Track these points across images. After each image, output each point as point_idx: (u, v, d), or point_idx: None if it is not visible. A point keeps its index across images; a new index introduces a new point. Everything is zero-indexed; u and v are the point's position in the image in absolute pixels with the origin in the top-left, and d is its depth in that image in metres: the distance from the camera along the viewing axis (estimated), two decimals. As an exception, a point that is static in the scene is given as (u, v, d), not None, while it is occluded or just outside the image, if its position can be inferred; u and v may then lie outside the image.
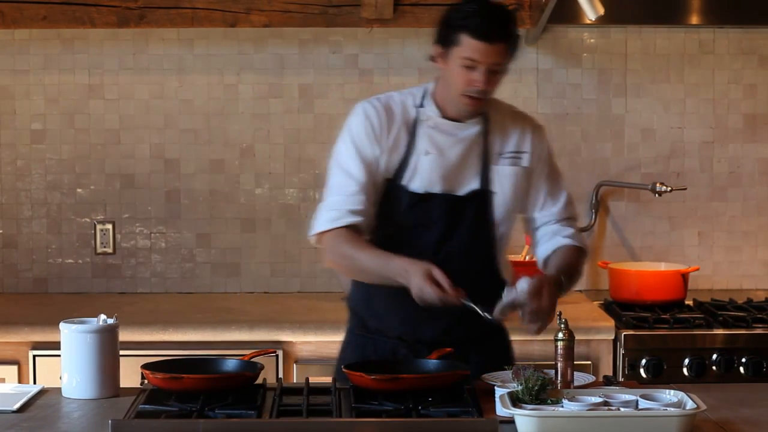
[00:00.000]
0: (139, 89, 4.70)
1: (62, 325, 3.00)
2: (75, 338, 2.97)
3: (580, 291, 4.73)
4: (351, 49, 4.70)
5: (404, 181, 3.13)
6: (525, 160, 3.19)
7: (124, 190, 4.73)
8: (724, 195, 4.79)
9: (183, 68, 4.70)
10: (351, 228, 3.10)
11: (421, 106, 3.17)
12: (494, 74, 3.04)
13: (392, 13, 4.37)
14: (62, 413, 2.85)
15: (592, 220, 4.73)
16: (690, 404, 2.60)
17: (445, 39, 3.05)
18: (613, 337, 4.07)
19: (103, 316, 3.01)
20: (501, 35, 3.00)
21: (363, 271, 3.11)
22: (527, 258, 4.46)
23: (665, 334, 4.08)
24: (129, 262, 4.73)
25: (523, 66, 4.70)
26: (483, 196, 3.14)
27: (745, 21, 4.63)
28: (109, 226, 4.73)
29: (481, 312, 2.95)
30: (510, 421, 2.58)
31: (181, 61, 4.69)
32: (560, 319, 2.93)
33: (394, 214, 3.13)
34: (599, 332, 4.06)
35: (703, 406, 2.58)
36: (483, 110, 3.13)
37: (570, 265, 3.17)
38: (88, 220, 4.73)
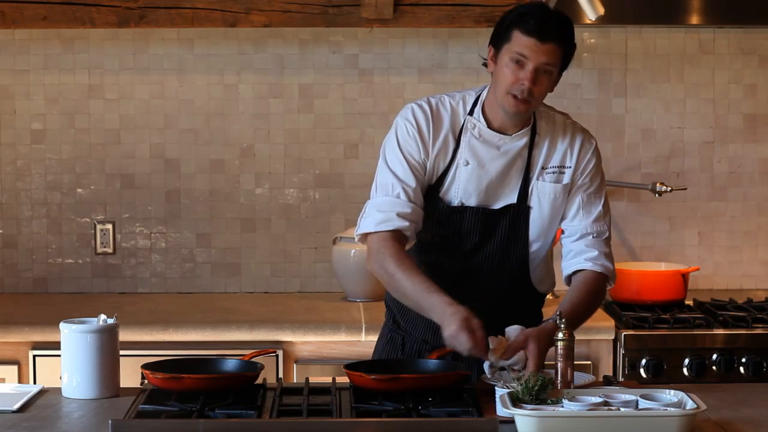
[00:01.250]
0: (139, 89, 4.70)
1: (62, 325, 3.00)
2: (75, 338, 2.97)
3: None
4: (351, 49, 4.70)
5: (441, 191, 3.10)
6: (567, 176, 3.13)
7: (124, 190, 4.73)
8: (725, 195, 4.79)
9: (183, 68, 4.70)
10: (397, 233, 3.05)
11: (471, 113, 3.11)
12: (542, 75, 2.98)
13: (392, 13, 4.37)
14: (62, 413, 2.85)
15: (593, 220, 4.72)
16: (690, 404, 2.60)
17: (499, 38, 3.02)
18: (613, 337, 4.07)
19: (103, 316, 3.01)
20: (553, 35, 2.96)
21: (400, 293, 3.05)
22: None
23: (665, 334, 4.08)
24: (129, 262, 4.73)
25: (523, 66, 4.70)
26: (518, 211, 3.10)
27: (745, 21, 4.62)
28: (109, 226, 4.73)
29: (487, 375, 2.93)
30: (510, 421, 2.58)
31: (181, 61, 4.70)
32: (560, 319, 2.93)
33: (427, 223, 3.10)
34: (599, 332, 4.06)
35: (703, 406, 2.58)
36: (527, 115, 3.06)
37: (583, 306, 3.07)
38: (88, 220, 4.73)
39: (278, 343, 4.04)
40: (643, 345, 4.05)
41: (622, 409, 2.60)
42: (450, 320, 2.87)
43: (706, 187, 4.79)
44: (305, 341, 4.06)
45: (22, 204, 4.72)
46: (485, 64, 3.09)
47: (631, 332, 4.07)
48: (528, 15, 2.97)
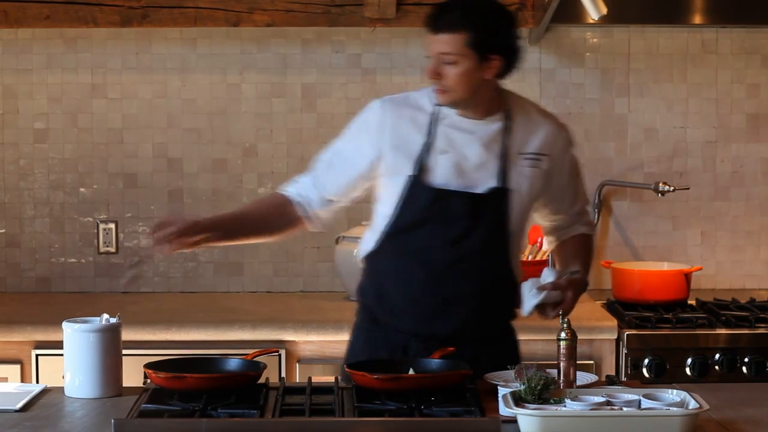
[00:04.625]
0: (142, 88, 4.70)
1: (65, 325, 3.00)
2: (78, 337, 2.97)
3: (582, 291, 4.74)
4: (354, 49, 4.70)
5: (424, 178, 3.11)
6: (545, 163, 3.17)
7: (127, 189, 4.73)
8: (727, 195, 4.79)
9: (186, 68, 4.70)
10: (282, 197, 3.25)
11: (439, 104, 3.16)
12: (444, 65, 3.04)
13: (395, 12, 4.37)
14: (65, 412, 2.85)
15: (595, 220, 4.72)
16: (693, 404, 2.60)
17: None
18: (615, 336, 4.07)
19: (105, 316, 3.01)
20: (443, 25, 3.01)
21: None
22: (530, 258, 4.46)
23: (668, 334, 4.08)
24: (131, 261, 4.73)
25: (526, 66, 4.69)
26: (501, 194, 3.13)
27: (748, 21, 4.62)
28: (112, 226, 4.74)
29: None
30: (513, 421, 2.58)
31: (184, 60, 4.70)
32: (563, 318, 2.93)
33: (414, 209, 3.12)
34: (602, 332, 4.06)
35: (706, 406, 2.58)
36: (453, 104, 3.10)
37: (588, 256, 3.32)
38: (90, 219, 4.74)
39: (281, 343, 4.04)
40: (646, 345, 4.05)
41: (624, 409, 2.60)
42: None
43: (708, 187, 4.79)
44: (308, 341, 4.06)
45: (24, 203, 4.72)
46: None
47: (634, 332, 4.07)
48: (433, 7, 3.07)
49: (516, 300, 3.18)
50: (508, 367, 2.90)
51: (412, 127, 3.14)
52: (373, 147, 3.16)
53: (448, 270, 3.11)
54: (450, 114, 3.13)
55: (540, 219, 3.35)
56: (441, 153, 3.11)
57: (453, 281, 3.11)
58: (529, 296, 3.04)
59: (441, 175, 3.10)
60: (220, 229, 3.13)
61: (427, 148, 3.12)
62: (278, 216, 3.24)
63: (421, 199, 3.10)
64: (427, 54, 3.06)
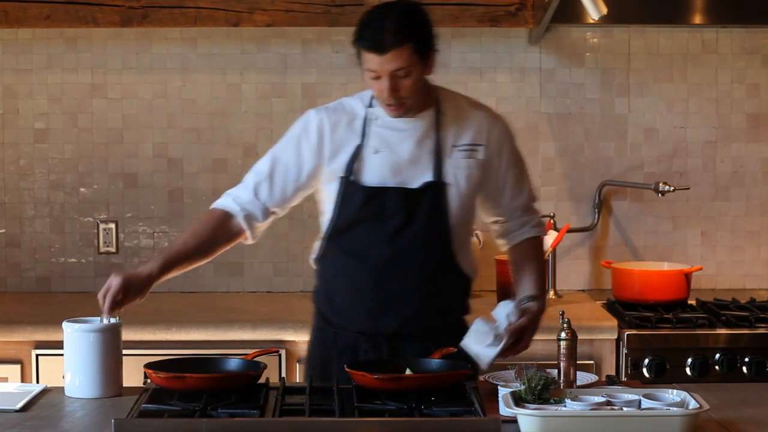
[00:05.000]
0: (142, 88, 4.70)
1: (65, 325, 3.01)
2: (78, 337, 2.97)
3: (582, 291, 4.74)
4: (354, 49, 4.68)
5: (358, 178, 3.15)
6: (481, 152, 3.19)
7: (127, 189, 4.73)
8: (727, 195, 4.79)
9: (186, 67, 4.70)
10: (222, 212, 3.26)
11: (371, 106, 3.19)
12: (399, 79, 3.05)
13: (395, 12, 4.36)
14: (65, 412, 2.85)
15: (595, 220, 4.73)
16: (693, 404, 2.60)
17: (356, 54, 3.10)
18: (615, 336, 4.07)
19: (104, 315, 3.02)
20: (390, 44, 3.00)
21: None
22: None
23: (668, 334, 4.08)
24: (132, 261, 4.73)
25: (526, 66, 4.70)
26: (437, 188, 3.15)
27: (748, 20, 4.63)
28: (112, 226, 4.74)
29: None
30: (513, 421, 2.59)
31: (184, 60, 4.70)
32: (563, 318, 2.93)
33: (350, 209, 3.15)
34: (602, 332, 4.06)
35: (706, 406, 2.58)
36: (407, 112, 3.12)
37: (541, 268, 3.27)
38: (91, 219, 4.74)
39: (281, 343, 4.04)
40: (646, 345, 4.05)
41: (624, 409, 2.60)
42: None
43: (709, 187, 4.79)
44: (308, 341, 4.06)
45: (25, 203, 4.72)
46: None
47: (634, 332, 4.07)
48: (364, 28, 3.05)
49: (467, 294, 3.25)
50: (509, 367, 2.90)
51: (347, 132, 3.18)
52: (314, 156, 3.20)
53: (388, 266, 3.13)
54: (382, 114, 3.16)
55: (486, 218, 3.35)
56: (374, 153, 3.15)
57: (394, 277, 3.14)
58: (486, 348, 2.98)
59: (376, 174, 3.14)
60: (170, 270, 3.16)
61: (361, 149, 3.16)
62: (222, 234, 3.26)
63: (356, 199, 3.14)
64: (373, 75, 3.05)
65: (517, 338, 3.03)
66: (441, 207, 3.15)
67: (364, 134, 3.16)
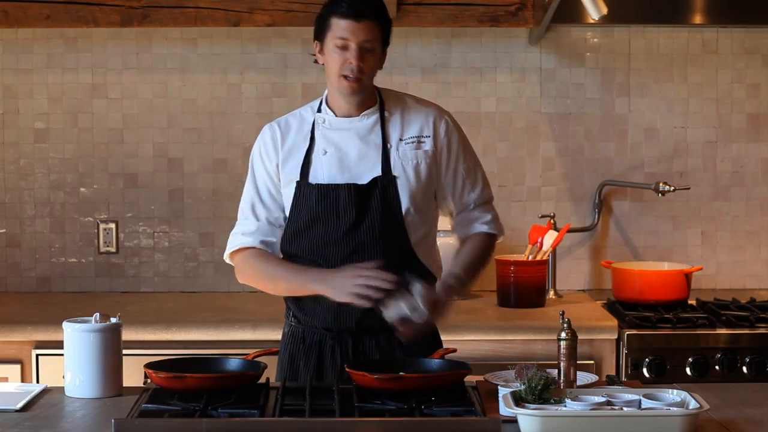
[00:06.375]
0: (142, 88, 4.70)
1: (65, 325, 3.01)
2: (78, 337, 2.97)
3: (582, 291, 4.74)
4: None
5: (310, 178, 3.22)
6: (427, 144, 3.24)
7: (128, 189, 4.73)
8: (728, 194, 4.79)
9: (186, 67, 4.70)
10: (255, 249, 3.27)
11: (319, 111, 3.27)
12: (366, 53, 3.13)
13: (396, 12, 4.37)
14: (65, 412, 2.85)
15: (596, 220, 4.73)
16: (693, 404, 2.60)
17: (320, 30, 3.18)
18: (616, 336, 4.06)
19: (97, 315, 3.01)
20: (368, 13, 3.12)
21: (280, 284, 3.24)
22: (530, 258, 4.46)
23: (668, 334, 4.08)
24: (132, 261, 4.74)
25: (527, 65, 4.70)
26: (386, 182, 3.19)
27: (748, 20, 4.62)
28: (113, 226, 4.74)
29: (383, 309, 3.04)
30: (513, 421, 2.59)
31: (184, 60, 4.70)
32: (563, 318, 2.93)
33: (305, 209, 3.21)
34: (602, 332, 4.06)
35: (706, 406, 2.58)
36: (363, 94, 3.19)
37: (477, 258, 3.27)
38: (91, 219, 4.74)
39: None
40: (646, 345, 4.05)
41: (625, 409, 2.60)
42: (333, 279, 3.07)
43: (709, 187, 4.79)
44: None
45: (25, 203, 4.72)
46: (316, 61, 3.25)
47: (634, 332, 4.06)
48: (340, 0, 3.14)
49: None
50: (509, 366, 2.90)
51: (297, 138, 3.27)
52: (276, 166, 3.27)
53: (346, 262, 3.14)
54: (327, 117, 3.25)
55: (442, 213, 3.38)
56: (323, 154, 3.22)
57: None
58: (397, 304, 3.01)
59: (326, 174, 3.20)
60: None
61: (310, 152, 3.23)
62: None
63: (310, 199, 3.20)
64: (342, 43, 3.12)
65: (432, 308, 3.03)
66: (392, 201, 3.19)
67: (312, 138, 3.24)
